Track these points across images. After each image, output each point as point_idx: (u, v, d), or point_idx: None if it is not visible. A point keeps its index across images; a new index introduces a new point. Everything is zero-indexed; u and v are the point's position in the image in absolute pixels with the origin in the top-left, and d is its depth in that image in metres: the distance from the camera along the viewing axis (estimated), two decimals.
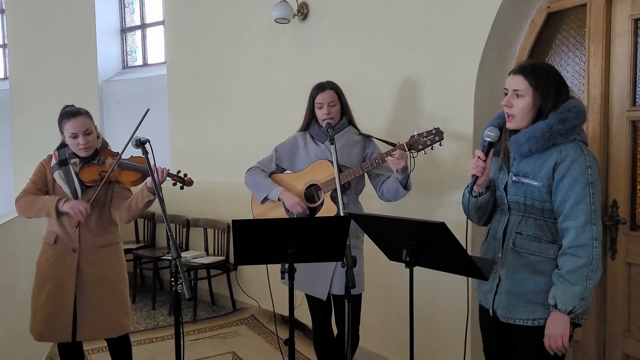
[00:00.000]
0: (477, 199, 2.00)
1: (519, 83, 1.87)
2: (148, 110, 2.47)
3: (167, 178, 2.51)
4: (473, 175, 1.94)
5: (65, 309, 2.58)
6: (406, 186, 2.55)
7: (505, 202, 1.96)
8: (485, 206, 2.03)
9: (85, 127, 2.57)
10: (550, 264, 1.86)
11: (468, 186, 2.01)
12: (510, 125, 1.92)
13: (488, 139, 1.94)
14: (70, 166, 2.59)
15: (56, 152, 2.64)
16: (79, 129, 2.55)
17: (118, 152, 2.63)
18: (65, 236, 2.61)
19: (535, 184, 1.86)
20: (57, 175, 2.60)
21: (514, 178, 1.93)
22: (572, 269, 1.78)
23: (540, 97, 1.85)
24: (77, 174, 2.59)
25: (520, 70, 1.89)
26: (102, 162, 2.61)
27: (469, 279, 2.01)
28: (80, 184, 2.58)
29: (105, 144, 2.74)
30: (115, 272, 2.69)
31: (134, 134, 2.40)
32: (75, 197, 2.59)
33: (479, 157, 1.93)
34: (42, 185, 2.64)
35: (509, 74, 1.93)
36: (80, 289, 2.60)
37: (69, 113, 2.59)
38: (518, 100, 1.88)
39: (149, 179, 2.47)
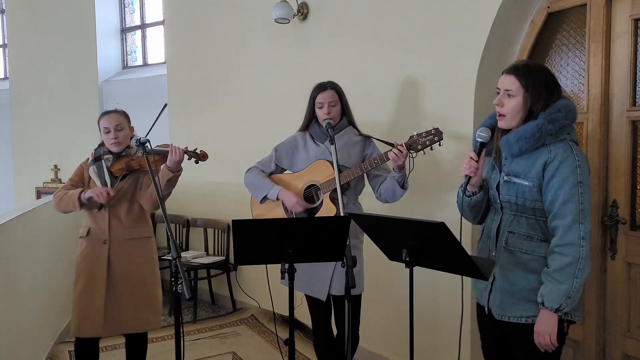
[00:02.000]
0: (470, 199, 2.03)
1: (511, 83, 1.91)
2: (166, 105, 2.65)
3: (185, 155, 2.64)
4: (466, 175, 1.96)
5: (97, 302, 2.65)
6: (403, 185, 2.55)
7: (498, 201, 1.99)
8: (479, 205, 2.05)
9: (117, 123, 2.72)
10: (542, 262, 1.89)
11: (462, 186, 2.04)
12: (501, 124, 1.95)
13: (480, 139, 1.97)
14: (103, 161, 2.73)
15: (93, 150, 2.79)
16: (111, 123, 2.71)
17: None
18: (97, 228, 2.71)
19: (526, 183, 1.89)
20: (92, 170, 2.74)
21: (505, 178, 1.95)
22: (559, 267, 1.81)
23: (530, 97, 1.88)
24: (108, 168, 2.71)
25: (513, 70, 1.92)
26: (130, 154, 2.75)
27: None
28: (110, 177, 2.70)
29: None
30: (144, 266, 2.75)
31: (153, 125, 2.58)
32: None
33: (471, 157, 1.96)
34: (78, 181, 2.78)
35: (502, 74, 1.96)
36: (110, 281, 2.67)
37: (105, 112, 2.79)
38: (509, 100, 1.91)
39: (168, 158, 2.59)
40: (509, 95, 1.91)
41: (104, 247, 2.68)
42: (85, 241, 2.72)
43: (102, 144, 2.79)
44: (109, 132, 2.70)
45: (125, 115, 2.78)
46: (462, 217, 2.04)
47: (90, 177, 2.75)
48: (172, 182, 2.64)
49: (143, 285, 2.73)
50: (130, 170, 2.73)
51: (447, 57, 2.96)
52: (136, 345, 2.81)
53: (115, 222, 2.70)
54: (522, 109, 1.90)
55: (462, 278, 2.01)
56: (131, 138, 2.76)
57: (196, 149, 2.72)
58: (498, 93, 1.95)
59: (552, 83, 1.91)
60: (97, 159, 2.74)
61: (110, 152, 2.74)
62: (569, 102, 1.91)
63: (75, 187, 2.74)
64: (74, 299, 2.69)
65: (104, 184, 2.68)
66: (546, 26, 2.72)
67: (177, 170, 2.62)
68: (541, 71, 1.92)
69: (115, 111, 2.77)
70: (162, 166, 2.66)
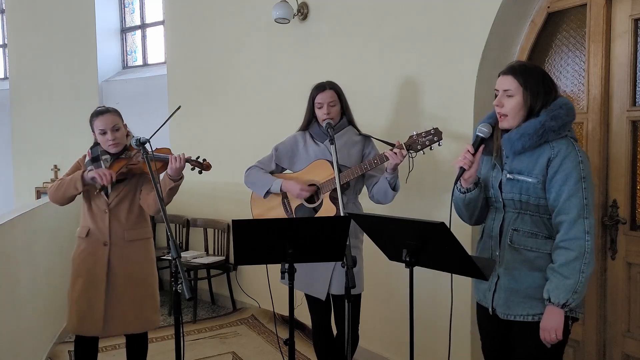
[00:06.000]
0: (465, 195, 2.02)
1: (509, 83, 1.93)
2: (179, 107, 2.71)
3: (187, 164, 2.59)
4: (460, 167, 1.97)
5: (97, 302, 2.64)
6: (395, 187, 2.55)
7: (500, 200, 1.99)
8: (475, 203, 2.04)
9: (113, 124, 2.66)
10: (547, 259, 1.89)
11: (456, 181, 2.02)
12: (503, 124, 1.96)
13: (480, 134, 1.98)
14: (101, 162, 2.68)
15: (89, 150, 2.74)
16: (107, 125, 2.65)
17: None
18: (97, 230, 2.68)
19: (530, 180, 1.90)
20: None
21: (508, 175, 1.95)
22: (565, 262, 1.81)
23: (530, 95, 1.90)
24: (107, 169, 2.67)
25: (510, 70, 1.95)
26: (130, 156, 2.70)
27: (453, 276, 2.03)
28: None
29: None
30: (145, 267, 2.74)
31: (160, 128, 2.66)
32: (106, 191, 2.69)
33: (467, 150, 1.97)
34: None
35: (499, 75, 1.98)
36: (110, 282, 2.66)
37: (98, 112, 2.71)
38: (509, 100, 1.93)
39: (169, 166, 2.55)
40: (508, 95, 1.93)
41: (104, 249, 2.66)
42: (84, 242, 2.70)
43: (97, 143, 2.72)
44: (105, 133, 2.64)
45: (118, 114, 2.72)
46: (453, 216, 2.01)
47: None
48: (173, 190, 2.60)
49: (144, 286, 2.72)
50: (132, 175, 2.70)
51: (447, 57, 2.96)
52: (137, 345, 2.81)
53: (116, 224, 2.68)
54: (522, 107, 1.91)
55: (451, 276, 2.00)
56: (127, 136, 2.73)
57: (198, 157, 2.64)
58: (496, 95, 1.97)
59: (549, 81, 1.94)
60: (95, 159, 2.70)
61: (107, 152, 2.68)
62: (568, 100, 1.94)
63: None
64: (73, 298, 2.68)
65: (104, 186, 2.65)
66: (546, 26, 2.72)
67: (178, 179, 2.56)
68: (537, 70, 1.95)
69: (108, 110, 2.69)
70: (163, 174, 2.61)
